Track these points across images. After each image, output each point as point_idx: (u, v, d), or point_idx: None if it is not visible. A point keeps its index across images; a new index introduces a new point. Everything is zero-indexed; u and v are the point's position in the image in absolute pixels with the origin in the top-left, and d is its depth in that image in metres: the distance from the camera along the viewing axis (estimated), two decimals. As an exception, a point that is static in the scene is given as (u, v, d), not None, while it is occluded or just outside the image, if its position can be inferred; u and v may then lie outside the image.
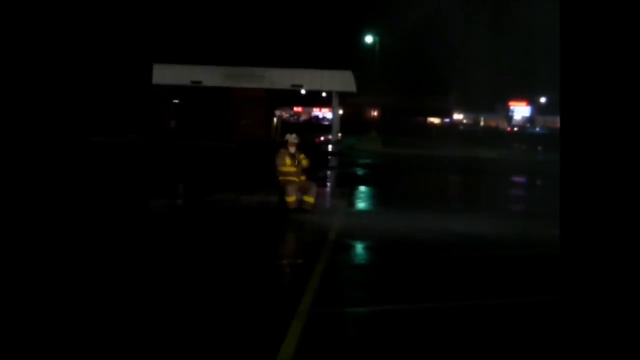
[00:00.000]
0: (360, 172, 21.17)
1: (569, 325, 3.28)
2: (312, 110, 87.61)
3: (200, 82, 33.21)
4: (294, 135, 11.91)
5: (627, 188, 3.14)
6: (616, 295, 3.15)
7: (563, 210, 3.38)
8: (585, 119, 3.29)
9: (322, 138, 40.62)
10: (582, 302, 3.24)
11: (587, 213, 3.26)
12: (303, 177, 11.52)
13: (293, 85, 35.41)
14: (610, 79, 3.22)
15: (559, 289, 3.47)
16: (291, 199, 11.17)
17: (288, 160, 11.49)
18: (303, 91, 42.34)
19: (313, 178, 12.12)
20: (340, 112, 42.21)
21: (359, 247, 9.09)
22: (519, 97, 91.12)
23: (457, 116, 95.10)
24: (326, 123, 54.86)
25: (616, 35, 3.21)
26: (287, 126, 39.21)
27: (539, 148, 40.52)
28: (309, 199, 11.28)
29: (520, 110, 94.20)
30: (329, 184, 17.15)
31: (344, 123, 44.20)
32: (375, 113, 57.24)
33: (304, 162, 11.58)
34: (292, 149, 11.65)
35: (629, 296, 3.11)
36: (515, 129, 75.80)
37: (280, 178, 11.46)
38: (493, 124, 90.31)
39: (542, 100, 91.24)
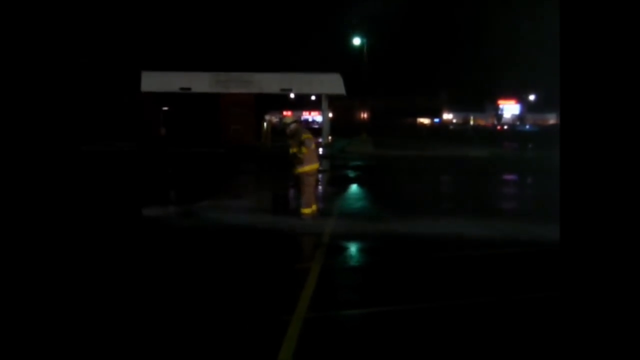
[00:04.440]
0: (352, 174, 21.14)
1: (569, 322, 3.26)
2: (301, 114, 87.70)
3: (189, 89, 33.14)
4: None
5: (628, 185, 3.13)
6: (616, 291, 3.13)
7: (563, 208, 3.36)
8: (585, 117, 3.27)
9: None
10: (582, 298, 3.22)
11: (587, 210, 3.24)
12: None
13: (282, 90, 35.38)
14: (610, 77, 3.20)
15: (557, 286, 3.46)
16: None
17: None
18: (292, 95, 42.32)
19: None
20: (330, 115, 42.18)
21: (354, 249, 9.07)
22: (508, 95, 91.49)
23: (447, 116, 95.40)
24: (316, 126, 54.87)
25: (616, 35, 3.20)
26: (277, 130, 39.17)
27: (529, 146, 40.60)
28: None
29: (510, 108, 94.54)
30: (321, 186, 17.12)
31: (334, 126, 44.22)
32: (365, 115, 57.31)
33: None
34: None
35: (629, 292, 3.10)
36: (505, 127, 75.96)
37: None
38: (482, 122, 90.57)
39: (531, 98, 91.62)
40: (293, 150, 11.13)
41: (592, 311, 3.18)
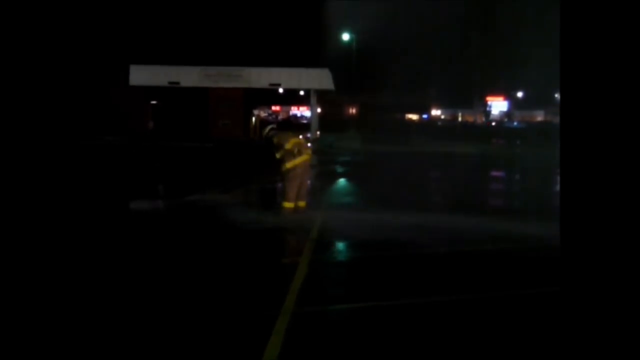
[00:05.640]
0: (340, 169, 21.19)
1: (567, 318, 3.28)
2: (290, 109, 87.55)
3: (177, 83, 33.00)
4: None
5: (628, 183, 3.15)
6: (616, 290, 3.15)
7: (563, 205, 3.38)
8: (585, 114, 3.29)
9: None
10: (582, 296, 3.24)
11: (587, 207, 3.26)
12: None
13: (271, 84, 35.31)
14: (611, 76, 3.22)
15: (553, 282, 3.48)
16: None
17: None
18: (281, 90, 42.21)
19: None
20: (319, 110, 42.16)
21: (342, 244, 9.11)
22: (496, 92, 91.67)
23: (435, 112, 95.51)
24: (304, 122, 54.78)
25: (616, 34, 3.22)
26: (266, 125, 39.00)
27: (517, 142, 40.75)
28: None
29: (498, 105, 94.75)
30: (309, 181, 17.14)
31: (323, 121, 44.11)
32: (353, 110, 57.26)
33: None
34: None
35: (629, 291, 3.12)
36: (493, 123, 76.18)
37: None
38: (471, 119, 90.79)
39: (519, 95, 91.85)
40: (277, 156, 11.35)
41: (592, 308, 3.20)
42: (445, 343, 5.20)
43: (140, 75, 33.65)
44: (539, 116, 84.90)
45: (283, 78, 35.12)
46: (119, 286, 6.66)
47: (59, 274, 7.08)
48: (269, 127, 12.17)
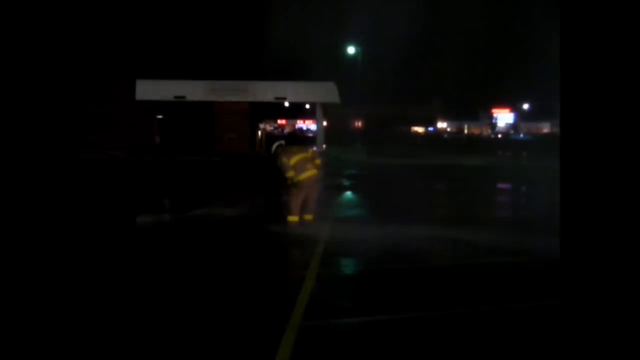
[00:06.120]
0: (346, 182, 21.16)
1: (570, 330, 3.25)
2: (296, 123, 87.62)
3: (183, 97, 33.04)
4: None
5: (628, 191, 3.12)
6: (616, 300, 3.12)
7: (563, 215, 3.35)
8: (585, 121, 3.26)
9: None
10: (583, 306, 3.20)
11: (588, 217, 3.23)
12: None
13: (276, 98, 35.24)
14: (611, 80, 3.20)
15: (558, 295, 3.44)
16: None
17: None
18: (287, 103, 42.23)
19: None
20: (325, 123, 42.18)
21: (349, 257, 9.06)
22: (502, 104, 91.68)
23: (441, 124, 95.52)
24: (310, 135, 54.88)
25: (616, 36, 3.20)
26: (272, 139, 39.03)
27: (524, 154, 40.66)
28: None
29: (504, 117, 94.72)
30: (317, 195, 17.10)
31: (329, 134, 44.10)
32: (359, 123, 57.26)
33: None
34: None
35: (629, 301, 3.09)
36: (499, 135, 76.09)
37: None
38: (477, 131, 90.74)
39: (525, 106, 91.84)
40: (282, 171, 11.39)
41: (593, 321, 3.17)
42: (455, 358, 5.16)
43: (146, 90, 33.71)
44: (545, 128, 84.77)
45: (289, 91, 35.12)
46: (126, 297, 6.63)
47: (61, 295, 7.05)
48: (277, 143, 12.22)
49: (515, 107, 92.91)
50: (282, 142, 12.48)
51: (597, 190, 3.21)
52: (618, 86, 3.18)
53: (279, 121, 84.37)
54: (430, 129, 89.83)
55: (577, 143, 3.29)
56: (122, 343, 5.34)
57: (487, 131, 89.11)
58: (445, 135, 79.53)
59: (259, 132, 41.20)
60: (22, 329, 5.50)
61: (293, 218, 11.12)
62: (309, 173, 11.21)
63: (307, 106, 48.73)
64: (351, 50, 47.85)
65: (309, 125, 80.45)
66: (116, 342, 5.35)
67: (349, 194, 17.66)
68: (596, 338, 3.14)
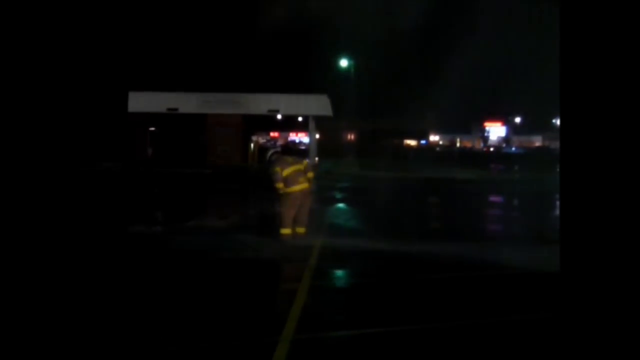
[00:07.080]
0: (338, 195, 21.16)
1: (567, 342, 3.25)
2: (288, 135, 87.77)
3: (176, 109, 33.08)
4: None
5: (629, 195, 3.12)
6: (617, 310, 3.12)
7: (563, 221, 3.35)
8: (585, 130, 3.27)
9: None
10: (582, 319, 3.20)
11: (588, 227, 3.23)
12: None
13: (269, 111, 35.38)
14: (611, 83, 3.20)
15: (556, 306, 3.44)
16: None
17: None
18: (279, 116, 42.32)
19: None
20: (317, 136, 42.25)
21: (342, 269, 9.05)
22: (494, 117, 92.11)
23: (434, 138, 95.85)
24: (303, 147, 54.88)
25: (616, 38, 3.20)
26: (265, 151, 39.06)
27: (516, 167, 40.79)
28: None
29: (496, 131, 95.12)
30: (309, 208, 17.11)
31: (321, 147, 44.21)
32: (352, 136, 57.39)
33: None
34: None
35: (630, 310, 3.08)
36: (491, 149, 76.34)
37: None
38: (469, 144, 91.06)
39: (517, 120, 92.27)
40: (274, 181, 11.27)
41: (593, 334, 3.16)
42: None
43: (139, 102, 33.74)
44: (537, 141, 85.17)
45: (282, 104, 35.19)
46: (119, 311, 6.60)
47: (55, 308, 7.01)
48: (272, 150, 12.15)
49: (507, 121, 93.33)
50: (279, 149, 12.42)
51: (597, 200, 3.21)
52: (618, 94, 3.18)
53: (272, 134, 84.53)
54: (423, 142, 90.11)
55: (577, 153, 3.28)
56: (122, 343, 5.31)
57: (479, 144, 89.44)
58: (438, 149, 79.79)
59: (252, 145, 41.15)
60: None
61: (285, 230, 11.08)
62: (300, 186, 11.17)
63: (300, 119, 48.55)
64: (344, 63, 48.00)
65: (301, 137, 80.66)
66: (116, 342, 5.33)
67: (341, 206, 17.65)
68: (594, 346, 3.14)
